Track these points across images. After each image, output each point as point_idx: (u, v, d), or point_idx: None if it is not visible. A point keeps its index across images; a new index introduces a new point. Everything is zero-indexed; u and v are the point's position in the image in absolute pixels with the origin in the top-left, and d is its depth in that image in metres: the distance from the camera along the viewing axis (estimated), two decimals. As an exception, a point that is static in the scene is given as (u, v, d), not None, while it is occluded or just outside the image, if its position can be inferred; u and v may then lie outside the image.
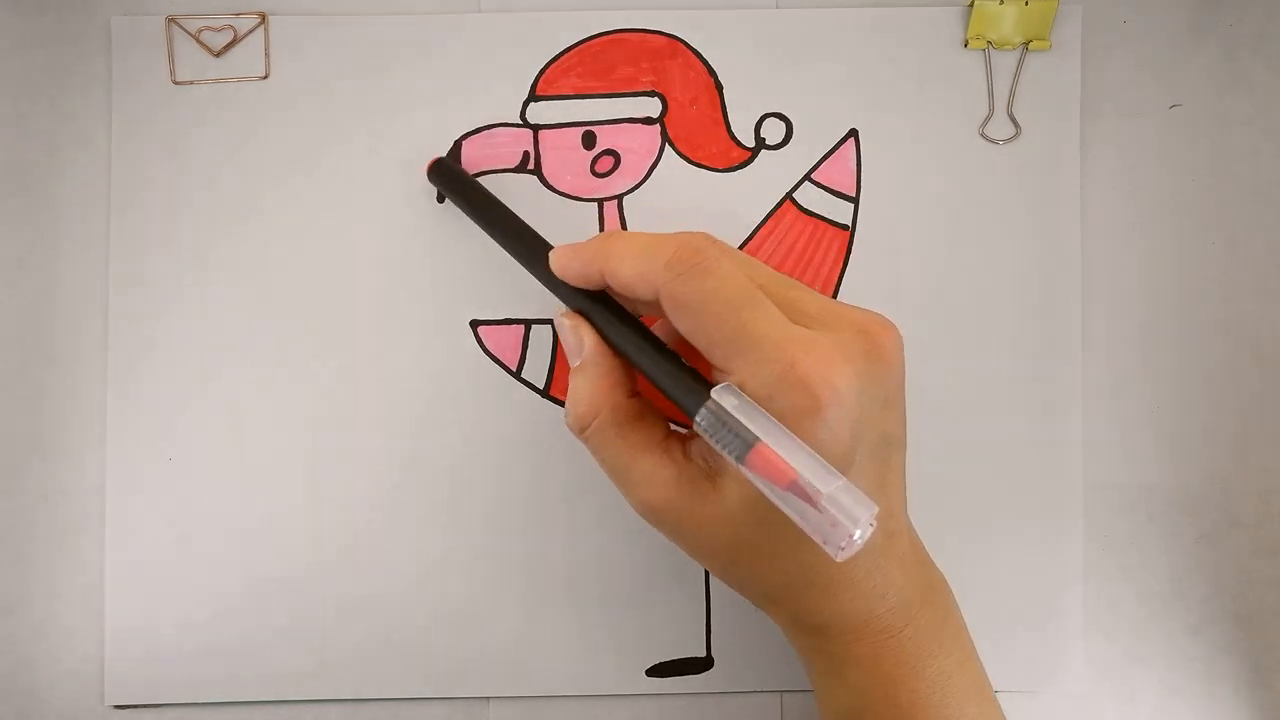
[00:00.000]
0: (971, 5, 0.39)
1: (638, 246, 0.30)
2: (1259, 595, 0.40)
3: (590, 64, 0.40)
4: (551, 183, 0.40)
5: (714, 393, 0.28)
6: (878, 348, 0.29)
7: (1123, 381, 0.40)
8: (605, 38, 0.40)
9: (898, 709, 0.31)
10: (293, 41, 0.40)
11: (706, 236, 0.30)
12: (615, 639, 0.39)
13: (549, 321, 0.39)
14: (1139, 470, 0.40)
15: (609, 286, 0.31)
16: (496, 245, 0.39)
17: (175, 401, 0.39)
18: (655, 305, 0.30)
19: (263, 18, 0.40)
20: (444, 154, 0.39)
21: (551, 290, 0.34)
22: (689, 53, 0.40)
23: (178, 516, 0.39)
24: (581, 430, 0.32)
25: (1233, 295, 0.40)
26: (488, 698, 0.40)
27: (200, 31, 0.40)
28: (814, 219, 0.40)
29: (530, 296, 0.39)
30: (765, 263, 0.39)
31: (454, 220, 0.39)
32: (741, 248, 0.40)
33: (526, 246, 0.35)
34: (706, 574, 0.39)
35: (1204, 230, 0.40)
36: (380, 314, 0.39)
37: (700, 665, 0.39)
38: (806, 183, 0.40)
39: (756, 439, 0.27)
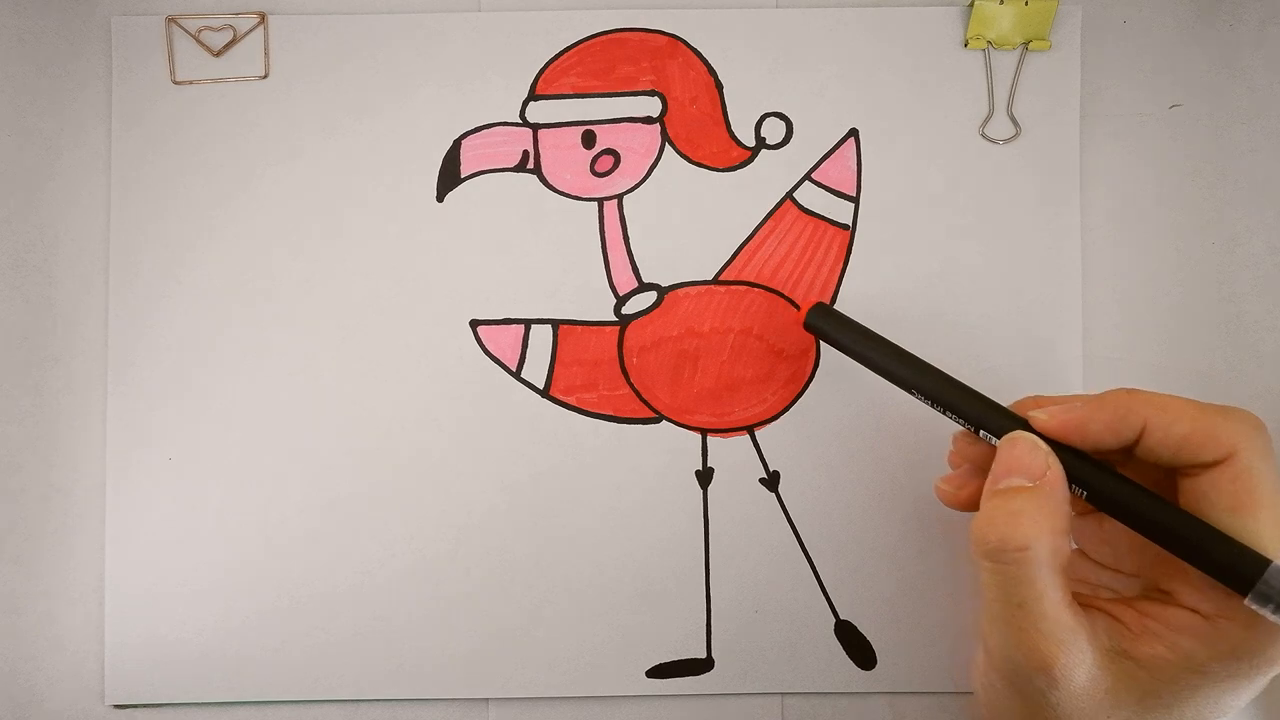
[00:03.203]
0: (971, 5, 0.39)
1: (1194, 403, 0.29)
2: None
3: (590, 63, 0.40)
4: (551, 182, 0.40)
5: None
6: None
7: (1123, 381, 0.40)
8: (605, 37, 0.40)
9: None
10: (292, 41, 0.40)
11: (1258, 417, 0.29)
12: (615, 639, 0.39)
13: (549, 322, 0.39)
14: (1139, 470, 0.40)
15: (1123, 448, 0.30)
16: (496, 245, 0.39)
17: (175, 401, 0.39)
18: (1166, 474, 0.29)
19: (262, 17, 0.40)
20: (822, 301, 0.38)
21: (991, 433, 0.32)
22: (689, 52, 0.40)
23: (178, 516, 0.39)
24: (1016, 550, 0.28)
25: (1233, 295, 0.40)
26: (487, 698, 0.40)
27: (200, 31, 0.40)
28: (814, 218, 0.40)
29: (530, 297, 0.39)
30: (766, 262, 0.39)
31: (454, 220, 0.40)
32: (741, 247, 0.40)
33: (962, 394, 0.33)
34: (707, 575, 0.39)
35: (1204, 230, 0.40)
36: (380, 314, 0.39)
37: (700, 667, 0.39)
38: (807, 182, 0.40)
39: None
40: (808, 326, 0.37)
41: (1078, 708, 0.28)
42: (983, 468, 0.31)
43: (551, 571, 0.39)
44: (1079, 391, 0.39)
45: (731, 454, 0.39)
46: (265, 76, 0.40)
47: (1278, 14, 0.40)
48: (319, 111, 0.40)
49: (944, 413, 0.33)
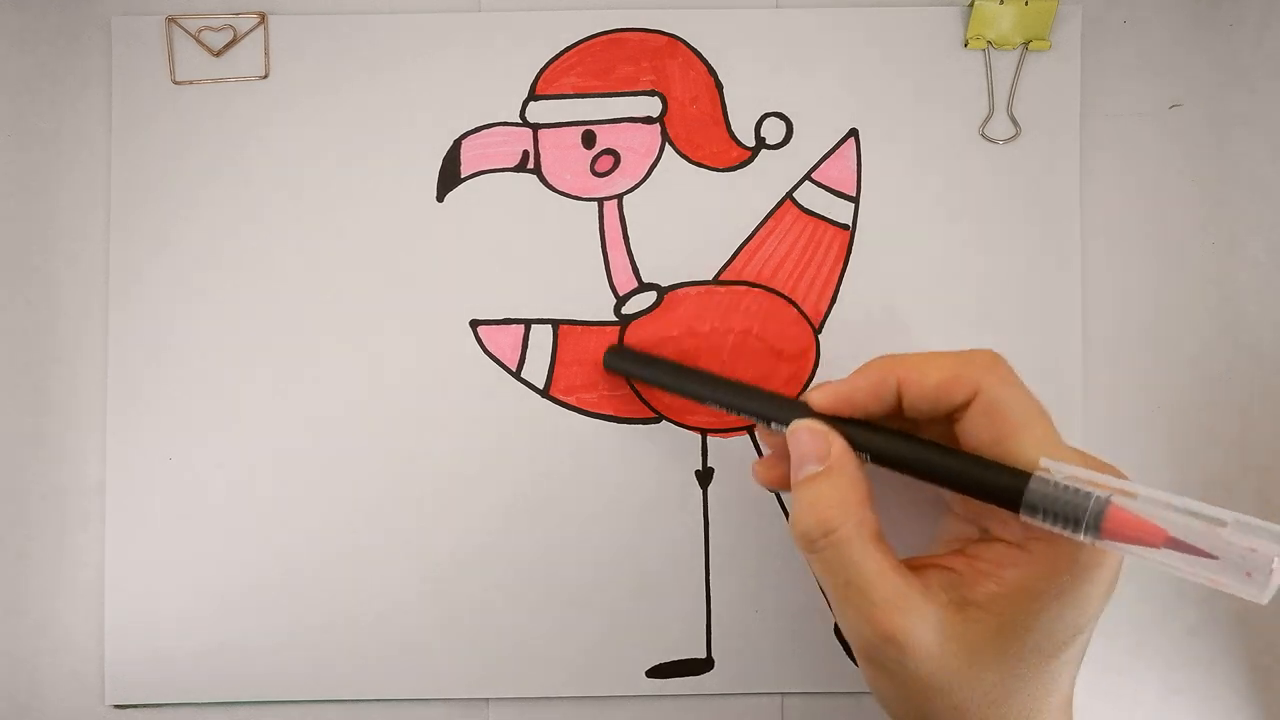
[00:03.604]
0: (971, 5, 0.39)
1: (942, 354, 0.31)
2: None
3: (590, 63, 0.40)
4: (551, 182, 0.40)
5: (1044, 462, 0.28)
6: None
7: (1123, 381, 0.40)
8: (605, 37, 0.40)
9: None
10: (292, 41, 0.40)
11: (999, 353, 0.31)
12: (615, 639, 0.39)
13: (549, 321, 0.39)
14: (1139, 470, 0.40)
15: (890, 409, 0.31)
16: (496, 245, 0.40)
17: (175, 401, 0.39)
18: (934, 422, 0.31)
19: (262, 17, 0.40)
20: (615, 342, 0.39)
21: (778, 423, 0.33)
22: (689, 52, 0.40)
23: (178, 516, 0.39)
24: (825, 535, 0.29)
25: (1233, 295, 0.40)
26: (487, 698, 0.40)
27: (200, 31, 0.40)
28: (814, 218, 0.40)
29: (530, 297, 0.39)
30: (766, 262, 0.39)
31: (454, 220, 0.40)
32: (741, 247, 0.40)
33: (744, 395, 0.35)
34: (707, 575, 0.39)
35: (1204, 230, 0.40)
36: (380, 314, 0.39)
37: (700, 666, 0.39)
38: (807, 182, 0.40)
39: (1109, 498, 0.26)
40: (607, 368, 0.39)
41: (940, 667, 0.29)
42: (785, 452, 0.33)
43: (551, 571, 0.39)
44: (1079, 392, 0.39)
45: (731, 454, 0.39)
46: (265, 76, 0.40)
47: (1278, 14, 0.40)
48: (319, 111, 0.40)
49: (738, 414, 0.35)
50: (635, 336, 0.39)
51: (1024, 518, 0.28)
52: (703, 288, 0.39)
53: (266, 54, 0.40)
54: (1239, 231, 0.40)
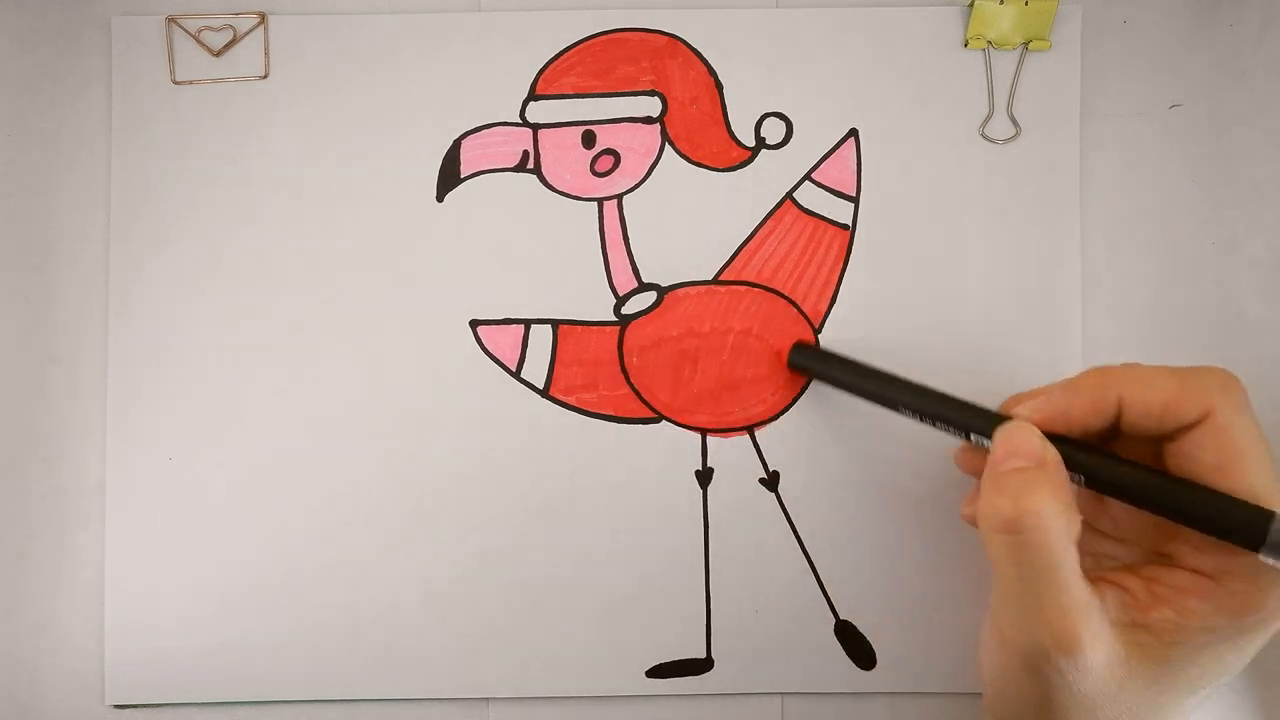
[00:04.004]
0: (971, 5, 0.39)
1: (1167, 369, 0.29)
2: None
3: (590, 63, 0.40)
4: (551, 182, 0.40)
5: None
6: None
7: (1123, 381, 0.40)
8: (605, 37, 0.40)
9: None
10: (292, 41, 0.40)
11: (1231, 372, 0.30)
12: (615, 639, 0.39)
13: (549, 322, 0.39)
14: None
15: (1106, 427, 0.30)
16: (496, 245, 0.40)
17: (175, 401, 0.39)
18: (1149, 444, 0.30)
19: (262, 17, 0.40)
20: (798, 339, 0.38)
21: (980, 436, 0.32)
22: (689, 52, 0.40)
23: (178, 516, 0.39)
24: (1029, 514, 0.28)
25: (1233, 295, 0.40)
26: (487, 698, 0.40)
27: (200, 31, 0.40)
28: (814, 219, 0.40)
29: (530, 297, 0.39)
30: (766, 262, 0.39)
31: (454, 220, 0.40)
32: (741, 247, 0.40)
33: (944, 403, 0.33)
34: (707, 575, 0.39)
35: (1204, 230, 0.40)
36: (380, 314, 0.39)
37: (700, 667, 0.39)
38: (806, 182, 0.40)
39: None
40: (792, 366, 0.38)
41: (1095, 688, 0.28)
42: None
43: (551, 571, 0.39)
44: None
45: (731, 454, 0.39)
46: (265, 76, 0.40)
47: (1278, 14, 0.40)
48: (319, 111, 0.40)
49: (934, 425, 0.34)
50: (635, 337, 0.39)
51: (1264, 558, 0.27)
52: (703, 288, 0.39)
53: (266, 54, 0.40)
54: (1239, 231, 0.40)
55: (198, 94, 0.40)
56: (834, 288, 0.40)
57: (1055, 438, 0.30)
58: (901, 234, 0.40)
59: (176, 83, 0.40)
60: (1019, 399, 0.32)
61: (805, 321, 0.39)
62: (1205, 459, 0.28)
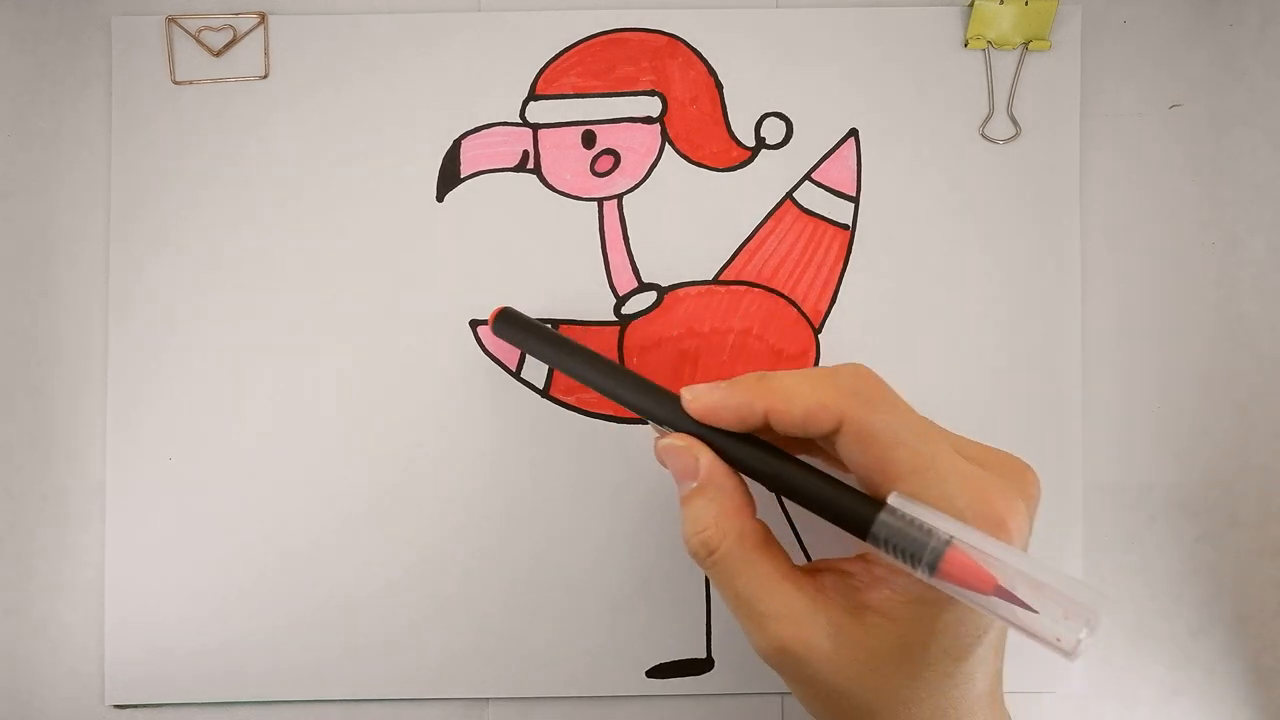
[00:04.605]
0: (971, 5, 0.39)
1: (809, 378, 0.30)
2: (1259, 595, 0.40)
3: (590, 63, 0.40)
4: (551, 182, 0.40)
5: (891, 499, 0.27)
6: (1032, 492, 0.29)
7: (1123, 381, 0.40)
8: (605, 37, 0.40)
9: None
10: (292, 41, 0.40)
11: (867, 368, 0.30)
12: (615, 639, 0.39)
13: (549, 321, 0.39)
14: (1139, 470, 0.40)
15: (762, 426, 0.30)
16: (496, 245, 0.39)
17: (175, 401, 0.39)
18: (807, 444, 0.31)
19: (262, 17, 0.40)
20: (503, 305, 0.38)
21: (653, 420, 0.32)
22: (689, 52, 0.40)
23: (178, 516, 0.39)
24: (709, 554, 0.30)
25: (1233, 295, 0.40)
26: (486, 698, 0.40)
27: (200, 31, 0.40)
28: (814, 218, 0.40)
29: (530, 297, 0.39)
30: (766, 262, 0.39)
31: (454, 220, 0.40)
32: (741, 247, 0.40)
33: (627, 382, 0.33)
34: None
35: (1204, 230, 0.40)
36: (380, 314, 0.39)
37: (700, 667, 0.39)
38: (807, 182, 0.40)
39: (949, 541, 0.26)
40: (495, 332, 0.37)
41: (839, 673, 0.28)
42: None
43: (551, 571, 0.39)
44: (1077, 395, 0.39)
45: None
46: (265, 76, 0.40)
47: (1278, 14, 0.40)
48: (319, 111, 0.40)
49: (620, 404, 0.34)
50: (635, 337, 0.39)
51: (870, 547, 0.28)
52: (703, 288, 0.39)
53: (266, 54, 0.40)
54: (1239, 231, 0.40)
55: (198, 94, 0.40)
56: (834, 288, 0.40)
57: (718, 431, 0.31)
58: (901, 234, 0.40)
59: (176, 83, 0.40)
60: (693, 389, 0.32)
61: (805, 321, 0.39)
62: (857, 459, 0.29)
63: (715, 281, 0.40)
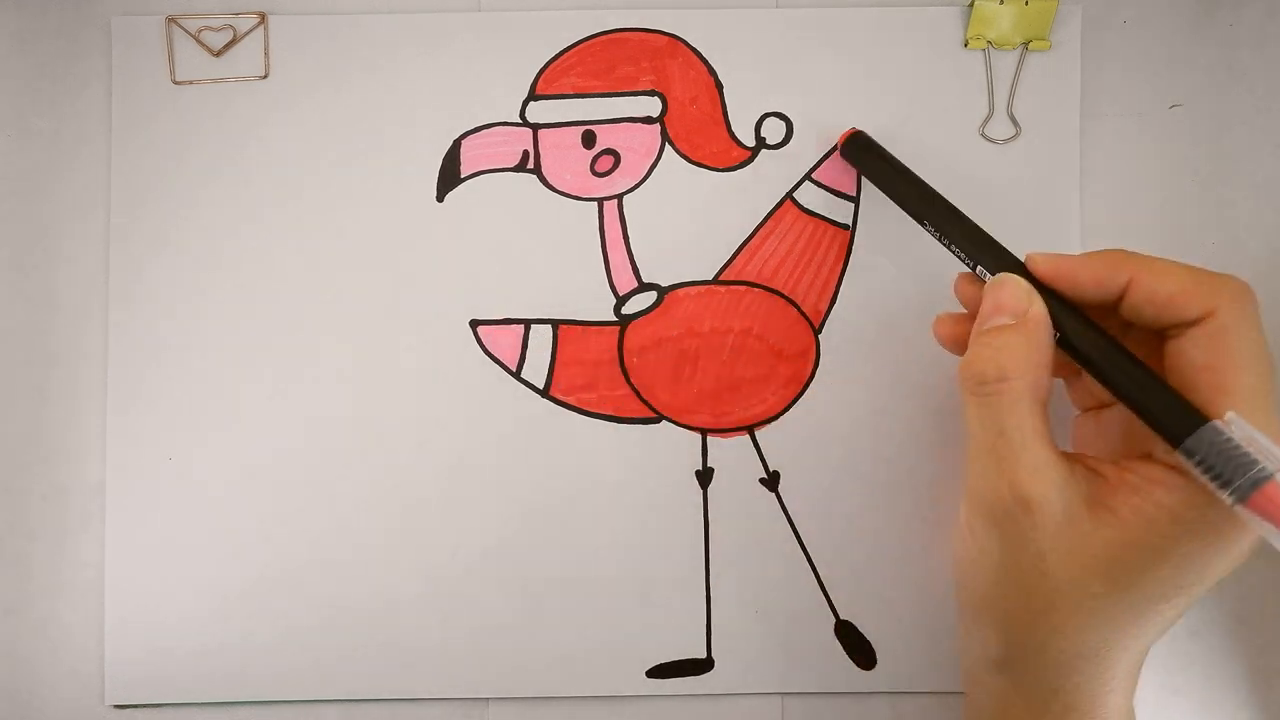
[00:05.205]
0: (971, 5, 0.39)
1: (1180, 264, 0.29)
2: (1259, 596, 0.40)
3: (590, 63, 0.40)
4: (551, 182, 0.40)
5: (1230, 416, 0.27)
6: None
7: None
8: (605, 37, 0.40)
9: None
10: (292, 41, 0.40)
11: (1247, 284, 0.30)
12: (615, 639, 0.39)
13: (549, 321, 0.39)
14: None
15: (1108, 304, 0.30)
16: (496, 245, 0.39)
17: (175, 401, 0.39)
18: (1151, 336, 0.30)
19: (262, 17, 0.40)
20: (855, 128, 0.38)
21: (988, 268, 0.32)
22: (689, 52, 0.40)
23: (178, 516, 0.39)
24: (998, 380, 0.29)
25: (1233, 295, 0.40)
26: (487, 698, 0.40)
27: (200, 31, 0.40)
28: (814, 219, 0.40)
29: (530, 297, 0.39)
30: (766, 262, 0.39)
31: (454, 220, 0.40)
32: (742, 247, 0.40)
33: (964, 229, 0.34)
34: (707, 575, 0.39)
35: (1204, 230, 0.40)
36: (380, 314, 0.39)
37: (700, 667, 0.39)
38: (807, 182, 0.40)
39: (1273, 475, 0.25)
40: (843, 154, 0.38)
41: (1057, 546, 0.28)
42: (976, 309, 0.32)
43: (551, 571, 0.39)
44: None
45: (731, 454, 0.39)
46: (265, 76, 0.40)
47: (1278, 14, 0.40)
48: (319, 111, 0.40)
49: (949, 247, 0.34)
50: (635, 337, 0.39)
51: (1180, 456, 0.27)
52: (703, 288, 0.39)
53: (266, 54, 0.40)
54: (1239, 231, 0.40)
55: (198, 94, 0.40)
56: (834, 288, 0.40)
57: (1054, 297, 0.31)
58: (901, 234, 0.40)
59: (176, 83, 0.40)
60: (1040, 252, 0.32)
61: (805, 321, 0.39)
62: (1198, 358, 0.28)
63: (715, 281, 0.40)
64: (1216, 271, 0.30)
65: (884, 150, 0.37)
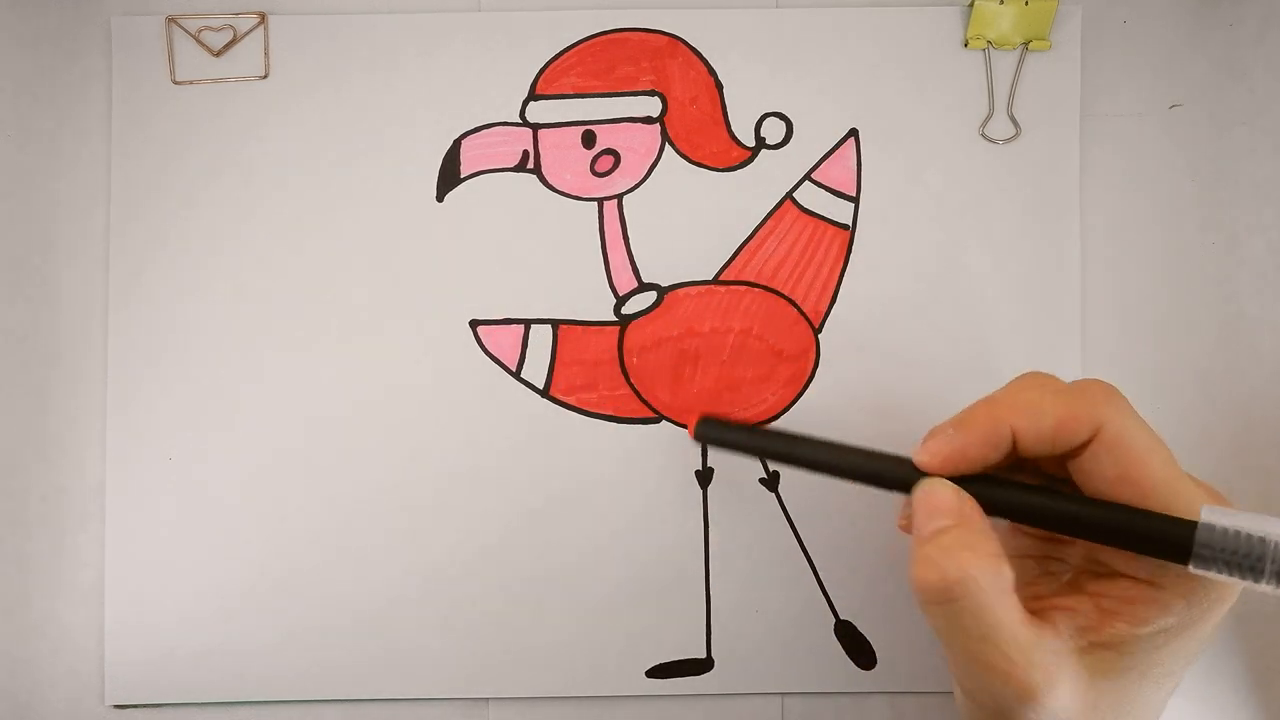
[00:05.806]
0: (971, 5, 0.39)
1: (1047, 391, 0.29)
2: (1259, 596, 0.40)
3: (590, 63, 0.40)
4: (551, 182, 0.40)
5: (1205, 511, 0.27)
6: None
7: (1122, 381, 0.40)
8: (605, 37, 0.40)
9: None
10: (292, 41, 0.40)
11: (1104, 381, 0.30)
12: (615, 639, 0.39)
13: (549, 322, 0.39)
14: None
15: (1003, 458, 0.30)
16: (496, 245, 0.40)
17: (175, 401, 0.39)
18: (1052, 461, 0.30)
19: (262, 17, 0.40)
20: (704, 416, 0.38)
21: (891, 488, 0.32)
22: (689, 52, 0.40)
23: (178, 516, 0.39)
24: (957, 583, 0.28)
25: (1233, 295, 0.40)
26: (487, 698, 0.40)
27: (200, 31, 0.40)
28: (814, 219, 0.40)
29: (530, 297, 0.39)
30: (766, 262, 0.39)
31: (454, 220, 0.40)
32: (741, 247, 0.40)
33: (851, 454, 0.33)
34: (707, 575, 0.39)
35: (1204, 230, 0.40)
36: (380, 314, 0.39)
37: (700, 667, 0.39)
38: (807, 182, 0.40)
39: None
40: (696, 438, 0.37)
41: (1069, 705, 0.28)
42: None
43: (551, 571, 0.39)
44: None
45: (731, 454, 0.39)
46: (265, 76, 0.40)
47: (1278, 14, 0.40)
48: (319, 111, 0.40)
49: (854, 481, 0.33)
50: (635, 337, 0.39)
51: (1194, 569, 0.27)
52: (703, 288, 0.39)
53: (266, 54, 0.40)
54: (1239, 231, 0.40)
55: (198, 94, 0.40)
56: (834, 288, 0.40)
57: (969, 477, 0.30)
58: (901, 234, 0.40)
59: (176, 83, 0.40)
60: (919, 447, 0.31)
61: (805, 321, 0.39)
62: (1107, 472, 0.29)
63: (715, 281, 0.40)
64: (1080, 383, 0.30)
65: (733, 422, 0.37)
